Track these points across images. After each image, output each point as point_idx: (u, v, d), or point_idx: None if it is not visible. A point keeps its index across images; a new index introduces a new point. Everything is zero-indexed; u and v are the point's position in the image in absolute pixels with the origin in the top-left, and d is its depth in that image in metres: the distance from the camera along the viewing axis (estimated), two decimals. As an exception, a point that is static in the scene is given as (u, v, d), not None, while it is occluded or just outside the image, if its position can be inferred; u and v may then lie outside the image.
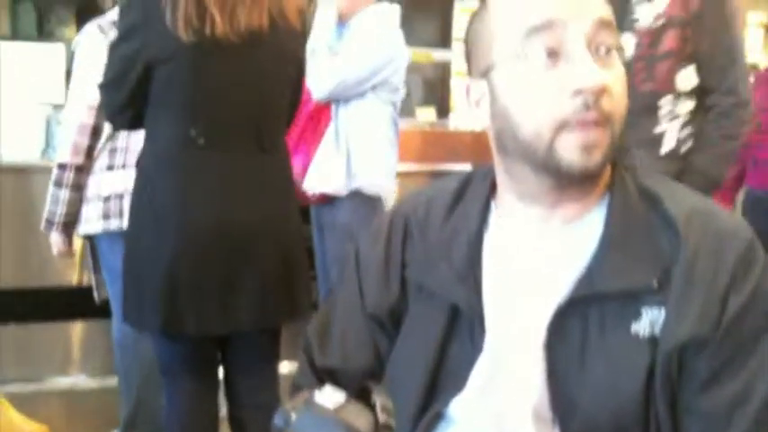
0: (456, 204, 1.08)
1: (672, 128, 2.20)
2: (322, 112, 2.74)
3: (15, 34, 4.69)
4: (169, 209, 1.82)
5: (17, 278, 3.16)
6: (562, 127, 0.90)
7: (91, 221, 2.35)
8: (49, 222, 2.39)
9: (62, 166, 2.35)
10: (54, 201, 2.37)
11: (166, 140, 1.84)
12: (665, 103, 2.19)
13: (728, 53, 2.15)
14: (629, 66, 2.18)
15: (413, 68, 3.30)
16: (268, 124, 1.92)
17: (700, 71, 2.17)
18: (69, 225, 2.40)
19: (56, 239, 2.44)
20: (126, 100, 1.83)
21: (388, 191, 2.80)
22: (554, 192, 0.97)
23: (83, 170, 2.36)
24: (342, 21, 2.73)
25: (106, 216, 2.33)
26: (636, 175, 1.01)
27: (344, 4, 2.81)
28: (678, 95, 2.19)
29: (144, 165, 1.89)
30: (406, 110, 4.43)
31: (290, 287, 1.94)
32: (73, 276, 2.80)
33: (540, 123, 0.91)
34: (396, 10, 2.79)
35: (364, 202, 2.71)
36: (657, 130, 2.21)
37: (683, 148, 2.22)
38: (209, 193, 1.83)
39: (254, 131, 1.87)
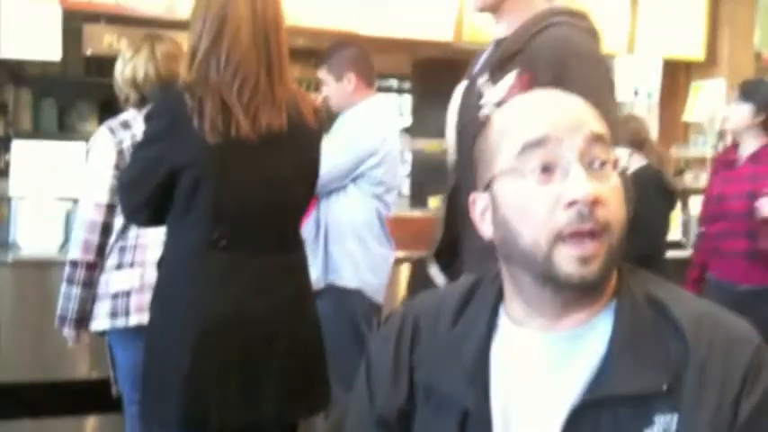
0: (465, 308, 1.10)
1: None
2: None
3: (37, 131, 4.82)
4: (191, 308, 1.85)
5: (34, 371, 3.18)
6: (558, 239, 0.93)
7: (100, 318, 2.38)
8: (62, 318, 2.41)
9: (74, 264, 2.39)
10: (66, 298, 2.39)
11: (189, 241, 1.87)
12: None
13: None
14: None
15: (425, 159, 3.37)
16: (289, 224, 1.97)
17: None
18: (82, 321, 2.42)
19: (69, 334, 2.46)
20: (144, 201, 1.88)
21: (370, 284, 2.80)
22: (557, 301, 0.99)
23: (94, 267, 2.39)
24: (336, 112, 2.81)
25: (114, 314, 2.35)
26: (642, 281, 1.04)
27: (334, 99, 2.91)
28: None
29: (166, 264, 1.93)
30: (418, 200, 4.51)
31: (311, 382, 1.97)
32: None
33: (538, 235, 0.94)
34: (392, 102, 2.85)
35: (342, 295, 2.72)
36: None
37: None
38: (231, 293, 1.86)
39: (276, 231, 1.92)
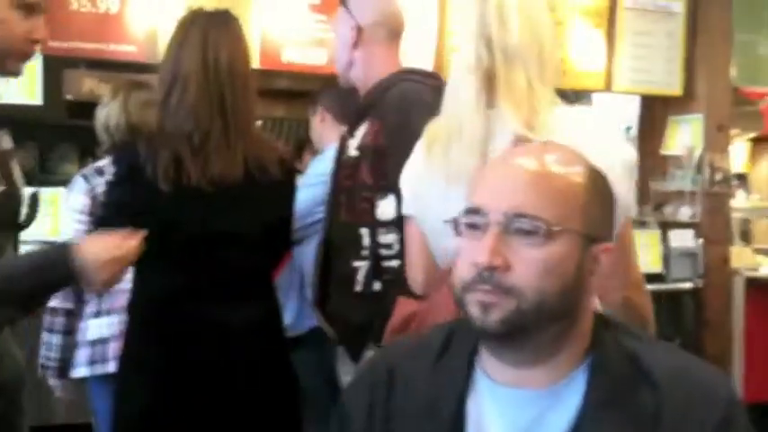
0: (441, 357, 1.12)
1: (365, 264, 1.98)
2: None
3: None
4: (158, 356, 1.86)
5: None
6: (466, 289, 1.03)
7: (79, 366, 2.37)
8: (44, 368, 2.40)
9: (53, 311, 2.38)
10: (47, 347, 2.38)
11: (155, 287, 1.89)
12: (365, 235, 1.98)
13: None
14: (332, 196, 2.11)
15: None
16: (246, 272, 1.95)
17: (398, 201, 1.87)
18: (64, 369, 2.40)
19: (54, 384, 2.44)
20: None
21: None
22: (492, 352, 1.05)
23: (73, 314, 2.39)
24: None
25: (93, 361, 2.35)
26: (616, 333, 1.06)
27: (316, 137, 2.96)
28: (376, 227, 1.97)
29: (134, 311, 1.95)
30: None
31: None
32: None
33: (456, 283, 1.05)
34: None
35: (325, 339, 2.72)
36: (355, 264, 2.00)
37: (376, 286, 1.97)
38: (195, 341, 1.87)
39: (235, 280, 1.91)
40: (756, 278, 4.53)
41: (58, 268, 1.59)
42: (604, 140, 1.50)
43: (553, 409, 1.01)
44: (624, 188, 1.44)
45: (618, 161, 1.46)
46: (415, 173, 1.70)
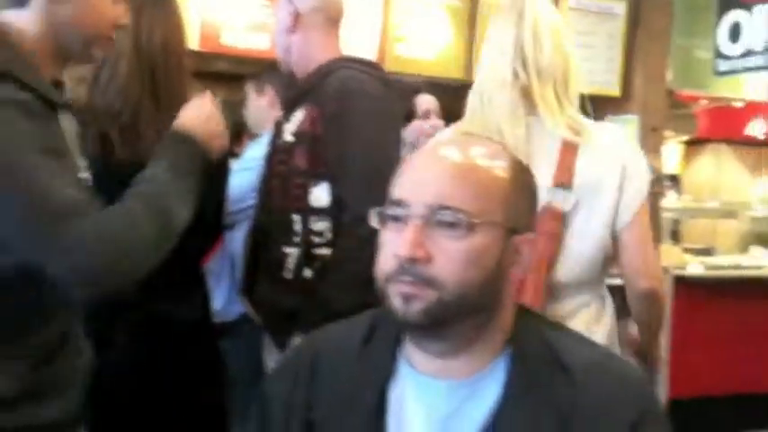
0: (365, 346, 1.12)
1: (295, 251, 1.99)
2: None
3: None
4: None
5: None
6: (388, 280, 1.02)
7: None
8: None
9: None
10: None
11: None
12: (296, 221, 1.99)
13: (352, 166, 1.92)
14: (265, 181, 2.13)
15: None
16: (174, 257, 1.88)
17: (332, 189, 1.95)
18: None
19: None
20: None
21: None
22: (415, 343, 1.05)
23: None
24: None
25: None
26: (538, 324, 1.08)
27: (253, 120, 2.97)
28: (309, 213, 1.98)
29: None
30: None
31: None
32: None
33: (379, 273, 1.04)
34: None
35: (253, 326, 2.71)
36: (285, 250, 2.01)
37: (306, 274, 1.98)
38: (123, 326, 1.84)
39: (162, 265, 1.85)
40: (684, 277, 4.64)
41: (181, 149, 1.57)
42: (632, 148, 1.84)
43: (472, 399, 1.02)
44: (645, 186, 1.78)
45: (644, 165, 1.81)
46: None
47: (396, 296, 1.01)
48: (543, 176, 1.67)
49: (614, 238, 1.77)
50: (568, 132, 1.76)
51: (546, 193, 1.69)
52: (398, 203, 1.04)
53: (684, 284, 4.60)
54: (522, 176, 1.09)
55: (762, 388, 4.58)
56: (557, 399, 0.98)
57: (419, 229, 1.00)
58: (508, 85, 1.77)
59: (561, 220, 1.73)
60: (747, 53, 4.55)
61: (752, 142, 8.99)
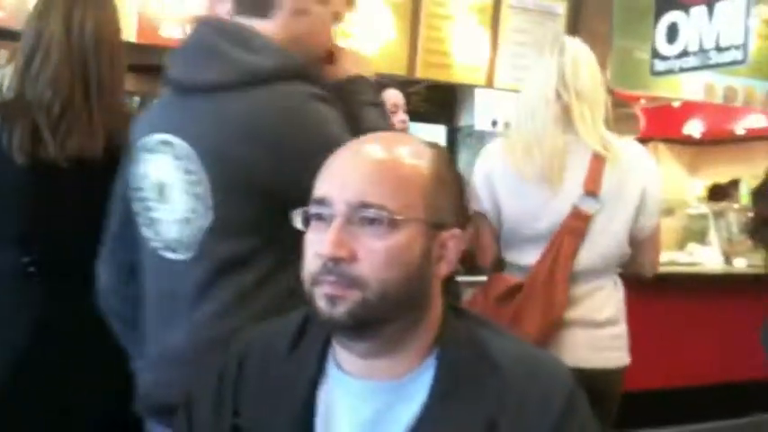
0: (296, 345, 1.10)
1: None
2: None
3: None
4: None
5: None
6: (314, 282, 1.01)
7: None
8: None
9: None
10: None
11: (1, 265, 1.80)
12: None
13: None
14: None
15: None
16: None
17: None
18: None
19: None
20: None
21: None
22: (341, 343, 1.04)
23: None
24: None
25: None
26: (467, 323, 1.08)
27: None
28: None
29: None
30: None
31: None
32: None
33: (305, 276, 1.03)
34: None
35: None
36: None
37: None
38: (33, 323, 1.79)
39: (86, 262, 1.81)
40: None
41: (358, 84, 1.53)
42: (652, 166, 2.21)
43: (400, 400, 1.01)
44: (660, 200, 2.18)
45: (660, 181, 2.20)
46: (495, 175, 2.17)
47: (321, 298, 1.00)
48: (575, 184, 2.08)
49: (632, 238, 2.17)
50: (599, 147, 2.08)
51: (576, 199, 2.08)
52: (321, 202, 1.03)
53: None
54: (445, 173, 1.08)
55: (700, 381, 4.67)
56: (484, 398, 0.98)
57: (341, 228, 0.99)
58: (551, 102, 2.10)
59: (587, 221, 2.09)
60: (683, 53, 4.64)
61: (689, 141, 9.18)
